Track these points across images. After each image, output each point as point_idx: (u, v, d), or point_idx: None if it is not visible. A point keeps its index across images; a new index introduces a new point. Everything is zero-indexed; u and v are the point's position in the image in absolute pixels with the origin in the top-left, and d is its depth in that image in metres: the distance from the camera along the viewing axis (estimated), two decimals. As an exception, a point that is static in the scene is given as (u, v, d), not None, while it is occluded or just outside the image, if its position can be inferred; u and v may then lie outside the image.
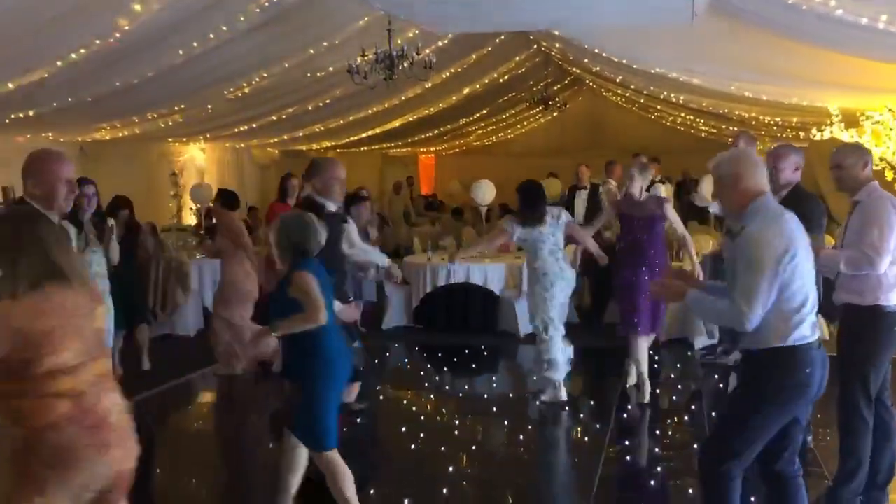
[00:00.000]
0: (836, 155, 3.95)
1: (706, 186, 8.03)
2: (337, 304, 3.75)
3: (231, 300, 6.74)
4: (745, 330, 2.89)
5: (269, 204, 8.17)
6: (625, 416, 5.58)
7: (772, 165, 4.45)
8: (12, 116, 7.46)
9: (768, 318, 2.85)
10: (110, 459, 2.30)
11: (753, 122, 11.12)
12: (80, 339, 2.29)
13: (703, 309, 3.16)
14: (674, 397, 6.19)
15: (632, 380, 6.03)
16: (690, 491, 4.32)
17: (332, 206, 4.39)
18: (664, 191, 8.50)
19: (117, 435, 2.35)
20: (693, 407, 5.84)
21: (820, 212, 4.33)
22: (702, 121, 12.83)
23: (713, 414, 5.60)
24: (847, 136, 8.37)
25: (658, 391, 6.25)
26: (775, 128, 11.30)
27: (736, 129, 12.39)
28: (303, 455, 3.65)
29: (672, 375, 6.75)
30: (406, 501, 4.10)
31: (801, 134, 10.60)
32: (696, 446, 4.92)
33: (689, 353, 7.29)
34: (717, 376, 6.60)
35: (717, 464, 3.00)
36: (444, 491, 4.29)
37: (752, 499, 3.67)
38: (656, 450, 5.00)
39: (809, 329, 2.91)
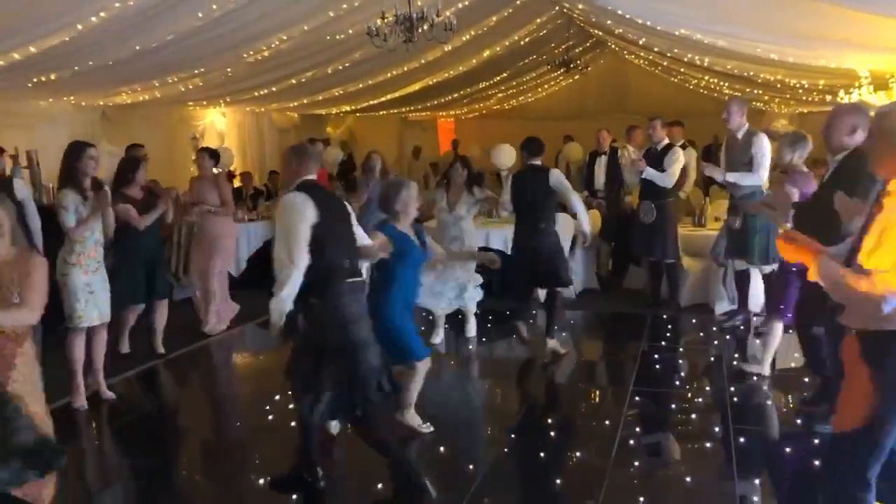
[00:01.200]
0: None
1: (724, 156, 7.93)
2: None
3: (220, 252, 7.16)
4: (882, 311, 2.52)
5: None
6: (644, 380, 5.60)
7: (826, 124, 4.37)
8: (34, 80, 7.49)
9: None
10: None
11: (779, 85, 10.90)
12: None
13: (836, 279, 2.63)
14: (694, 362, 6.19)
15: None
16: (709, 455, 4.34)
17: None
18: (688, 155, 8.40)
19: None
20: (713, 372, 5.84)
21: (870, 184, 4.22)
22: (726, 84, 12.59)
23: (734, 379, 5.62)
24: (876, 98, 8.20)
25: (677, 357, 6.27)
26: (801, 91, 11.07)
27: (760, 91, 12.20)
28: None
29: (693, 341, 6.74)
30: (423, 458, 4.16)
31: (829, 97, 10.39)
32: (716, 411, 4.97)
33: (709, 319, 7.27)
34: (737, 342, 6.59)
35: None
36: (462, 449, 4.34)
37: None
38: (676, 415, 5.02)
39: None
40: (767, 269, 6.56)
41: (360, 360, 3.67)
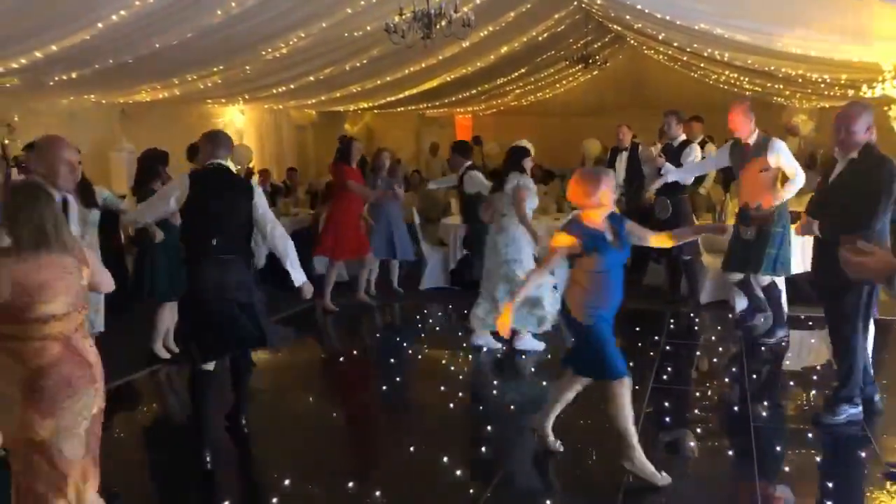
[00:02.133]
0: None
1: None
2: None
3: None
4: None
5: (342, 167, 7.93)
6: (663, 377, 5.57)
7: (841, 125, 4.32)
8: (56, 79, 7.56)
9: None
10: (95, 391, 2.88)
11: (800, 80, 10.79)
12: (69, 292, 2.81)
13: None
14: (713, 359, 6.14)
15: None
16: (729, 452, 4.31)
17: None
18: (708, 151, 8.34)
19: (98, 372, 2.92)
20: (732, 369, 5.80)
21: (891, 177, 4.18)
22: (746, 79, 12.48)
23: (753, 376, 5.57)
24: (899, 93, 8.10)
25: (697, 354, 6.23)
26: (823, 85, 10.95)
27: (781, 86, 12.08)
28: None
29: (712, 338, 6.69)
30: (445, 459, 4.16)
31: (851, 92, 10.27)
32: (735, 408, 4.93)
33: (729, 315, 7.21)
34: (756, 339, 6.53)
35: None
36: (483, 449, 4.34)
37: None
38: (694, 411, 4.99)
39: None
40: (766, 280, 6.45)
41: (209, 323, 4.19)
